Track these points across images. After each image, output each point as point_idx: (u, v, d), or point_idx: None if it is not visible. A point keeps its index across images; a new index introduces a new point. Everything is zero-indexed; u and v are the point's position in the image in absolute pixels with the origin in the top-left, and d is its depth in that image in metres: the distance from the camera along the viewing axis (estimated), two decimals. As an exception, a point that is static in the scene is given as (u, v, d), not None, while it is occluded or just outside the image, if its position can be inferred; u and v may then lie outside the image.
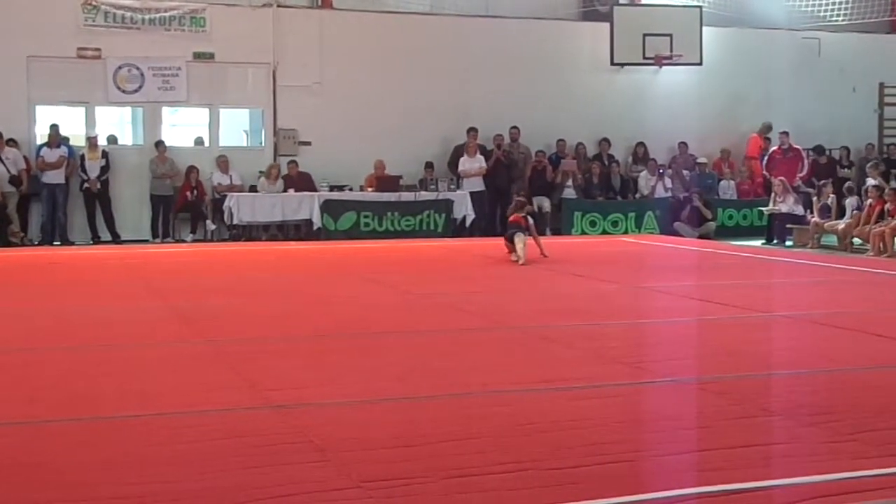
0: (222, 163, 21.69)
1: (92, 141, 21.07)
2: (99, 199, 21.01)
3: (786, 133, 22.39)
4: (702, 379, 7.20)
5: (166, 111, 22.68)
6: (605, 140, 23.89)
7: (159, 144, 21.54)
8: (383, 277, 14.04)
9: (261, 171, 21.83)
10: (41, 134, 21.24)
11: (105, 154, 21.12)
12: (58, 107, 21.94)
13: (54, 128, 20.77)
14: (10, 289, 13.19)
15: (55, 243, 20.34)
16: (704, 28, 23.98)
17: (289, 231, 21.64)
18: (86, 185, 20.86)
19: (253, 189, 21.57)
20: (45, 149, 20.66)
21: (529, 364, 7.82)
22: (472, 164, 22.41)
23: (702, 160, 24.29)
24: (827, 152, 24.33)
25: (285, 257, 17.46)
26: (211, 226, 21.52)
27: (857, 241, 18.98)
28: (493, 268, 15.68)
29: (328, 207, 21.13)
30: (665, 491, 4.78)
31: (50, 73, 21.12)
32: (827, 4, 24.80)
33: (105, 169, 21.02)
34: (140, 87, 21.52)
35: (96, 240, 20.91)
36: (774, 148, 22.39)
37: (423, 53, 23.00)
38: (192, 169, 21.43)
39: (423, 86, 22.87)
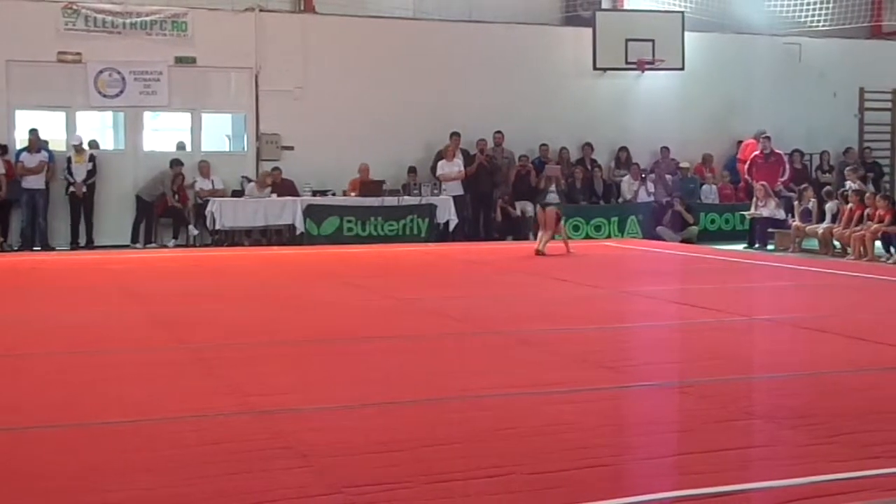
0: (204, 168, 21.64)
1: (77, 147, 20.97)
2: (83, 203, 20.94)
3: (767, 137, 22.44)
4: (684, 382, 7.21)
5: (148, 116, 22.62)
6: (588, 145, 23.92)
7: (175, 163, 21.45)
8: (366, 282, 14.02)
9: (244, 177, 21.79)
10: (21, 139, 21.11)
11: (92, 158, 21.02)
12: (38, 111, 21.87)
13: (34, 133, 20.69)
14: (-9, 294, 13.13)
15: (35, 249, 20.26)
16: (686, 33, 24.06)
17: (272, 236, 21.60)
18: (72, 188, 20.78)
19: (236, 194, 21.52)
20: (24, 154, 20.58)
21: (511, 368, 7.82)
22: (451, 168, 22.39)
23: (684, 165, 24.36)
24: (808, 157, 24.51)
25: (268, 262, 17.41)
26: (193, 231, 21.47)
27: (837, 244, 19.04)
28: (475, 272, 15.70)
29: (311, 212, 21.10)
30: (647, 494, 4.78)
31: (30, 78, 21.06)
32: (808, 10, 24.88)
33: (92, 173, 20.92)
34: (121, 91, 21.46)
35: (76, 245, 20.80)
36: (756, 153, 22.44)
37: (407, 58, 23.00)
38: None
39: (406, 91, 22.86)
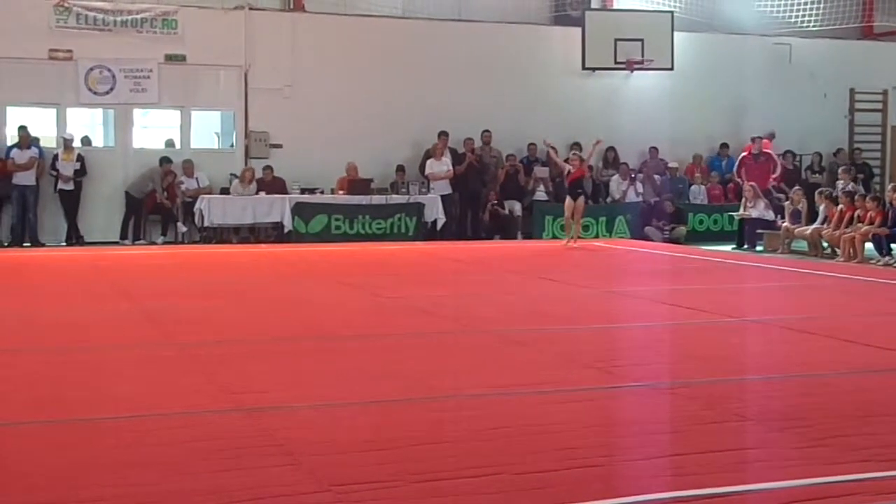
0: (188, 168, 21.57)
1: (67, 142, 20.91)
2: (69, 200, 20.87)
3: (758, 138, 22.46)
4: (674, 383, 7.20)
5: (137, 113, 22.61)
6: (577, 144, 23.86)
7: (164, 161, 21.45)
8: (354, 280, 14.01)
9: (232, 174, 21.76)
10: (11, 135, 21.06)
11: (80, 157, 20.95)
12: (29, 108, 21.80)
13: (24, 129, 20.65)
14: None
15: (25, 245, 20.23)
16: (676, 33, 24.08)
17: (260, 233, 21.57)
18: (59, 184, 20.71)
19: (224, 191, 21.48)
20: (15, 150, 20.55)
21: (500, 368, 7.81)
22: (440, 167, 22.37)
23: (673, 165, 24.37)
24: (799, 158, 24.55)
25: (256, 260, 17.37)
26: (182, 228, 21.44)
27: (826, 245, 19.04)
28: (463, 271, 15.68)
29: (299, 210, 21.07)
30: (637, 496, 4.77)
31: (21, 75, 21.02)
32: (798, 10, 24.90)
33: (80, 172, 20.86)
34: (111, 88, 21.43)
35: (70, 241, 20.75)
36: (745, 153, 22.45)
37: (395, 57, 22.98)
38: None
39: (394, 89, 22.85)
